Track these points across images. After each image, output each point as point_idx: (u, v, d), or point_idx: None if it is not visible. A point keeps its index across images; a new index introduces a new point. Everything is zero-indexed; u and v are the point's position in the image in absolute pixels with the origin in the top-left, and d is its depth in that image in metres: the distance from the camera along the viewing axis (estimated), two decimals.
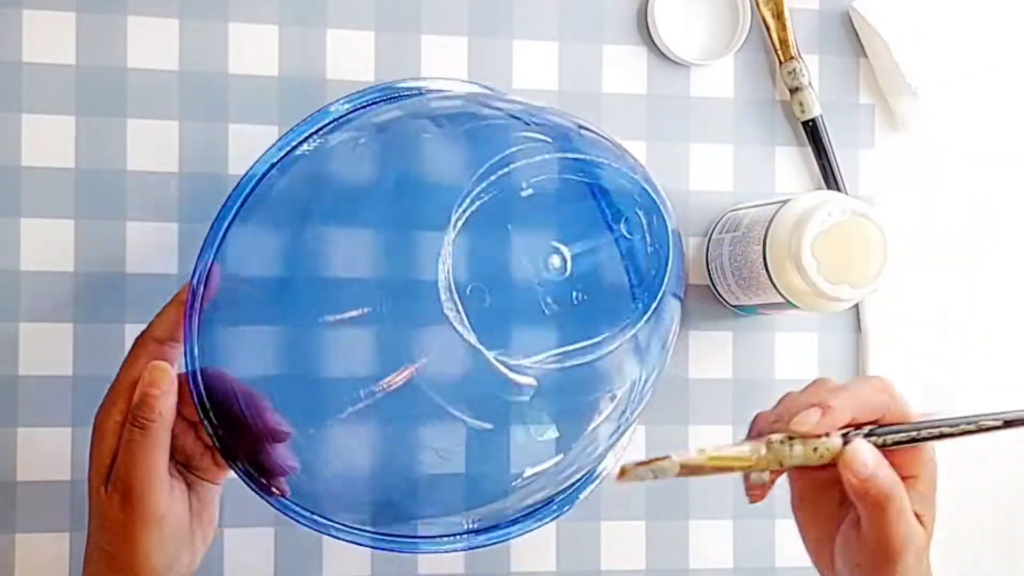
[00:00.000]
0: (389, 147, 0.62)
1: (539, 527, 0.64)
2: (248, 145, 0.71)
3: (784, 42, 0.78)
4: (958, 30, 0.79)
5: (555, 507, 0.64)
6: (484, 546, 0.63)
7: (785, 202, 0.70)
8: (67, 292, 0.70)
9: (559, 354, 0.58)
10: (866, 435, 0.58)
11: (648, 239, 0.61)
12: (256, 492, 0.60)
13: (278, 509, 0.61)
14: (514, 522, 0.63)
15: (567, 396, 0.60)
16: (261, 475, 0.60)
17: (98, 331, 0.70)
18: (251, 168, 0.61)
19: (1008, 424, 0.57)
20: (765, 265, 0.70)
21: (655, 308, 0.59)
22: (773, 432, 0.59)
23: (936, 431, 0.58)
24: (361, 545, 0.61)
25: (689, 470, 0.56)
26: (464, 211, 0.57)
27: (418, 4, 0.74)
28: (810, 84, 0.78)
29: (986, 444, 0.81)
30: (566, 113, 0.66)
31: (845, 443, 0.58)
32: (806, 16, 0.79)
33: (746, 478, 0.60)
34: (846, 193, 0.78)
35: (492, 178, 0.58)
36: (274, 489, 0.60)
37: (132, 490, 0.58)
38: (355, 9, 0.74)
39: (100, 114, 0.71)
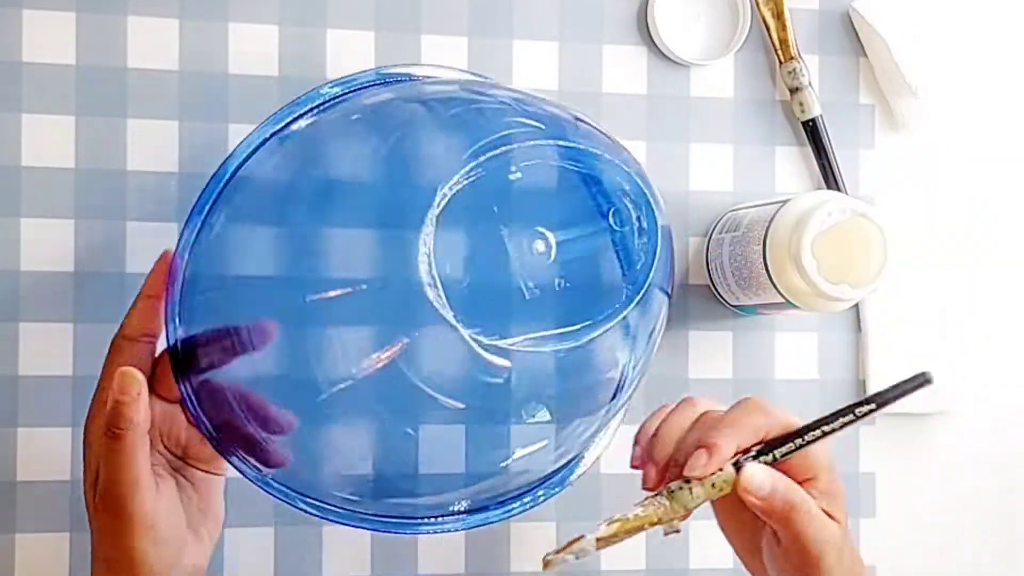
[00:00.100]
0: (378, 127, 0.61)
1: (533, 508, 0.64)
2: None
3: (784, 42, 0.78)
4: (958, 30, 0.79)
5: (544, 490, 0.64)
6: (477, 526, 0.63)
7: (785, 202, 0.70)
8: (67, 292, 0.70)
9: (538, 338, 0.58)
10: (755, 456, 0.60)
11: (637, 232, 0.61)
12: (252, 480, 0.61)
13: (272, 493, 0.61)
14: (504, 503, 0.63)
15: (553, 380, 0.60)
16: (255, 460, 0.60)
17: (98, 331, 0.69)
18: (238, 145, 0.61)
19: (880, 404, 0.59)
20: (765, 265, 0.70)
21: (641, 298, 0.59)
22: (665, 479, 0.61)
23: (819, 432, 0.60)
24: (350, 525, 0.61)
25: (605, 542, 0.59)
26: (450, 191, 0.56)
27: (418, 4, 0.74)
28: (810, 84, 0.77)
29: (986, 444, 0.81)
30: (565, 106, 0.66)
31: (738, 470, 0.59)
32: (806, 16, 0.79)
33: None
34: (846, 193, 0.78)
35: (481, 159, 0.57)
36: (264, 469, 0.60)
37: (116, 500, 0.58)
38: (355, 9, 0.74)
39: (100, 114, 0.71)
